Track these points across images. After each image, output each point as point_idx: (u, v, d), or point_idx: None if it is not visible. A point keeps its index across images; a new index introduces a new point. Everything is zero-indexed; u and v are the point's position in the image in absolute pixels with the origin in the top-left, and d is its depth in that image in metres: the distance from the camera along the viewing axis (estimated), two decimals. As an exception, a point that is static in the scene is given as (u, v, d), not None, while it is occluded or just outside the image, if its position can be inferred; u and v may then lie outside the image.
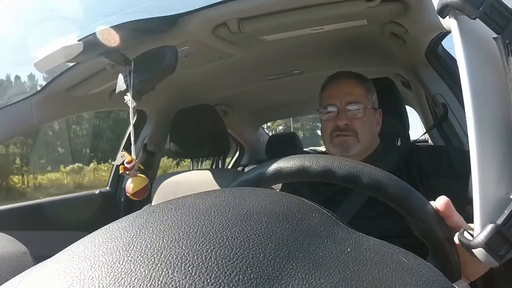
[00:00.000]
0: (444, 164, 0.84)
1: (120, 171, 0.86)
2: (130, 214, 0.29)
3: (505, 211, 0.34)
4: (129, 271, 0.21)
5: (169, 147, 1.62)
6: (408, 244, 0.32)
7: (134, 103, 0.89)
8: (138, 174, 0.88)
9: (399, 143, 1.26)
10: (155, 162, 1.92)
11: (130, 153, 0.88)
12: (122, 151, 0.88)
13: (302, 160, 0.41)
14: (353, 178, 0.39)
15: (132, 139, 0.92)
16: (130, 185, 0.87)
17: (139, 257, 0.22)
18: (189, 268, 0.21)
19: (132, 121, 0.92)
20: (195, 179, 1.47)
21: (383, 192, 0.39)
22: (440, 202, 0.40)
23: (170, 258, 0.22)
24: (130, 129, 0.94)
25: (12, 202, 1.44)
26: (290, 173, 0.42)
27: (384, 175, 0.39)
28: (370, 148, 0.96)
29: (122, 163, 0.86)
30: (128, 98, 0.89)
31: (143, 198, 0.89)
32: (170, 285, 0.20)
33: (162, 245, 0.23)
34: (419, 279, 0.24)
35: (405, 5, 0.96)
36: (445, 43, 1.16)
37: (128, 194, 0.88)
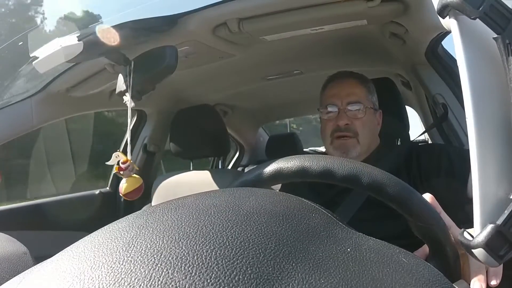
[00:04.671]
0: (444, 163, 0.84)
1: (114, 171, 0.86)
2: (130, 214, 0.29)
3: (505, 211, 0.34)
4: (129, 271, 0.21)
5: (169, 147, 1.62)
6: (406, 246, 0.32)
7: (133, 104, 0.89)
8: (133, 175, 0.88)
9: (399, 143, 1.26)
10: (155, 162, 1.92)
11: (125, 153, 0.88)
12: (117, 151, 0.88)
13: (302, 161, 0.41)
14: (353, 179, 0.39)
15: (129, 139, 0.92)
16: (123, 185, 0.87)
17: (139, 257, 0.22)
18: (189, 268, 0.21)
19: (130, 121, 0.92)
20: (195, 179, 1.47)
21: (383, 193, 0.39)
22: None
23: (170, 258, 0.22)
24: (128, 129, 0.93)
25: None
26: (290, 173, 0.42)
27: (384, 176, 0.39)
28: (370, 149, 0.96)
29: (118, 163, 0.86)
30: (126, 98, 0.89)
31: (136, 198, 0.89)
32: (170, 285, 0.20)
33: (162, 245, 0.23)
34: (419, 279, 0.24)
35: (405, 5, 0.96)
36: (445, 43, 1.16)
37: (120, 194, 0.88)
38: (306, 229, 0.26)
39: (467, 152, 0.37)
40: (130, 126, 0.94)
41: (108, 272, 0.21)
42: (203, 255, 0.22)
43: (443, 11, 0.38)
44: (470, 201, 0.37)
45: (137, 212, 0.29)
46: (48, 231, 1.45)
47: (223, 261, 0.21)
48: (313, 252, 0.24)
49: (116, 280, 0.21)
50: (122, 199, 1.79)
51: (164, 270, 0.21)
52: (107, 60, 1.00)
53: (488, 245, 0.34)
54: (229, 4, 0.98)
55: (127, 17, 0.95)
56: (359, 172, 0.39)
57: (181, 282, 0.20)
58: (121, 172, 0.86)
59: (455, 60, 0.38)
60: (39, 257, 0.51)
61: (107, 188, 1.82)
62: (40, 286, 0.22)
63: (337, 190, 0.90)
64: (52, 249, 0.38)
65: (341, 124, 0.91)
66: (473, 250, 0.35)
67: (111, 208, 1.78)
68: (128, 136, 0.93)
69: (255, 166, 0.47)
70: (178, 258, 0.22)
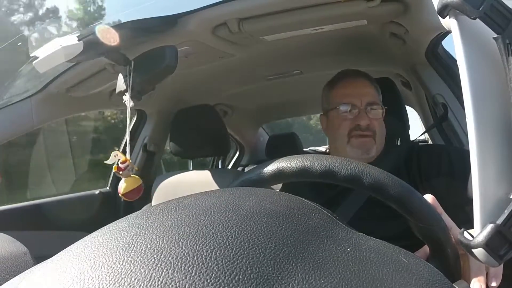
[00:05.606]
0: (444, 164, 0.84)
1: (113, 171, 0.86)
2: (130, 214, 0.29)
3: (505, 211, 0.34)
4: (129, 271, 0.21)
5: (169, 147, 1.62)
6: (407, 246, 0.32)
7: (132, 103, 0.88)
8: (132, 175, 0.88)
9: (399, 143, 1.26)
10: (155, 162, 1.92)
11: (124, 153, 0.87)
12: (115, 150, 0.88)
13: (304, 160, 0.41)
14: (355, 179, 0.39)
15: (127, 139, 0.92)
16: (122, 185, 0.87)
17: (139, 257, 0.22)
18: (189, 268, 0.21)
19: (129, 121, 0.92)
20: (195, 179, 1.47)
21: (384, 193, 0.39)
22: None
23: (170, 258, 0.22)
24: (127, 129, 0.93)
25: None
26: (291, 173, 0.42)
27: (386, 176, 0.39)
28: (379, 149, 0.96)
29: (116, 163, 0.85)
30: (126, 98, 0.89)
31: (135, 199, 0.89)
32: (170, 285, 0.20)
33: (162, 245, 0.23)
34: (419, 279, 0.24)
35: (405, 5, 0.96)
36: (445, 43, 1.16)
37: (119, 194, 0.88)
38: (306, 229, 0.26)
39: (467, 152, 0.37)
40: (129, 126, 0.94)
41: (108, 272, 0.21)
42: (203, 255, 0.22)
43: (443, 11, 0.38)
44: (470, 201, 0.37)
45: (137, 212, 0.29)
46: (48, 231, 1.45)
47: (223, 261, 0.21)
48: (313, 252, 0.24)
49: (116, 280, 0.21)
50: (122, 199, 1.79)
51: (164, 270, 0.21)
52: (107, 60, 1.00)
53: (488, 245, 0.34)
54: (229, 4, 0.98)
55: (127, 17, 0.95)
56: (361, 172, 0.39)
57: (181, 282, 0.20)
58: (120, 172, 0.86)
59: (455, 60, 0.38)
60: (39, 257, 0.51)
61: (107, 188, 1.82)
62: (40, 286, 0.22)
63: (337, 190, 0.90)
64: (52, 249, 0.38)
65: (363, 124, 0.90)
66: (473, 250, 0.35)
67: (111, 208, 1.78)
68: (127, 136, 0.92)
69: (256, 166, 0.47)
70: (178, 258, 0.22)
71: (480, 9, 0.34)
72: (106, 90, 1.38)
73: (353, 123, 0.92)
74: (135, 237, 0.24)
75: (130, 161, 0.87)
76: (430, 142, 2.01)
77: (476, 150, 0.36)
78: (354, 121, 0.92)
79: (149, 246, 0.23)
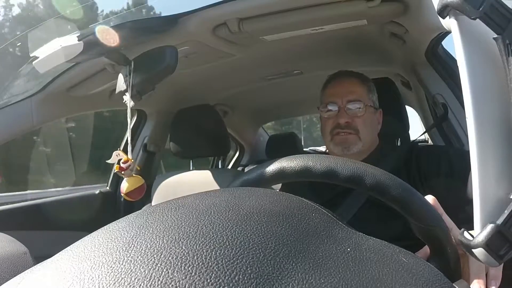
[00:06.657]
0: (444, 164, 0.84)
1: (115, 170, 0.86)
2: (130, 214, 0.29)
3: (505, 211, 0.34)
4: (129, 271, 0.21)
5: (169, 147, 1.62)
6: (408, 246, 0.32)
7: (133, 103, 0.89)
8: (134, 175, 0.88)
9: (399, 143, 1.26)
10: (155, 162, 1.92)
11: (126, 152, 0.87)
12: (117, 150, 0.88)
13: (306, 160, 0.41)
14: (356, 179, 0.39)
15: (129, 139, 0.92)
16: (124, 185, 0.87)
17: (139, 257, 0.22)
18: (189, 268, 0.21)
19: (130, 121, 0.92)
20: (195, 179, 1.47)
21: (385, 194, 0.39)
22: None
23: (170, 258, 0.22)
24: (128, 129, 0.93)
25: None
26: (293, 173, 0.42)
27: (387, 177, 0.39)
28: (371, 148, 0.96)
29: (118, 163, 0.85)
30: (126, 98, 0.89)
31: (138, 199, 0.89)
32: (170, 285, 0.20)
33: (162, 245, 0.23)
34: (419, 279, 0.24)
35: (405, 5, 0.96)
36: (445, 43, 1.16)
37: (122, 194, 0.88)
38: (306, 229, 0.26)
39: (467, 153, 0.37)
40: (130, 126, 0.94)
41: (108, 272, 0.21)
42: (203, 255, 0.22)
43: (443, 11, 0.38)
44: (470, 201, 0.37)
45: (137, 212, 0.29)
46: (48, 231, 1.45)
47: (223, 261, 0.21)
48: (313, 252, 0.24)
49: (116, 280, 0.21)
50: (122, 199, 1.79)
51: (164, 270, 0.21)
52: (107, 60, 1.00)
53: (488, 244, 0.34)
54: (229, 4, 0.98)
55: (127, 18, 0.95)
56: (363, 172, 0.39)
57: (181, 282, 0.20)
58: (122, 172, 0.86)
59: (455, 60, 0.38)
60: (39, 257, 0.51)
61: (107, 188, 1.82)
62: (40, 286, 0.22)
63: (338, 191, 0.90)
64: (52, 249, 0.38)
65: (341, 122, 0.92)
66: (473, 250, 0.35)
67: (111, 208, 1.78)
68: (128, 135, 0.92)
69: (256, 165, 0.46)
70: (178, 258, 0.22)
71: (480, 9, 0.34)
72: (106, 90, 1.38)
73: (334, 122, 0.93)
74: (135, 237, 0.24)
75: (132, 160, 0.87)
76: (430, 142, 2.01)
77: (476, 150, 0.36)
78: (335, 119, 0.93)
79: (149, 246, 0.23)
